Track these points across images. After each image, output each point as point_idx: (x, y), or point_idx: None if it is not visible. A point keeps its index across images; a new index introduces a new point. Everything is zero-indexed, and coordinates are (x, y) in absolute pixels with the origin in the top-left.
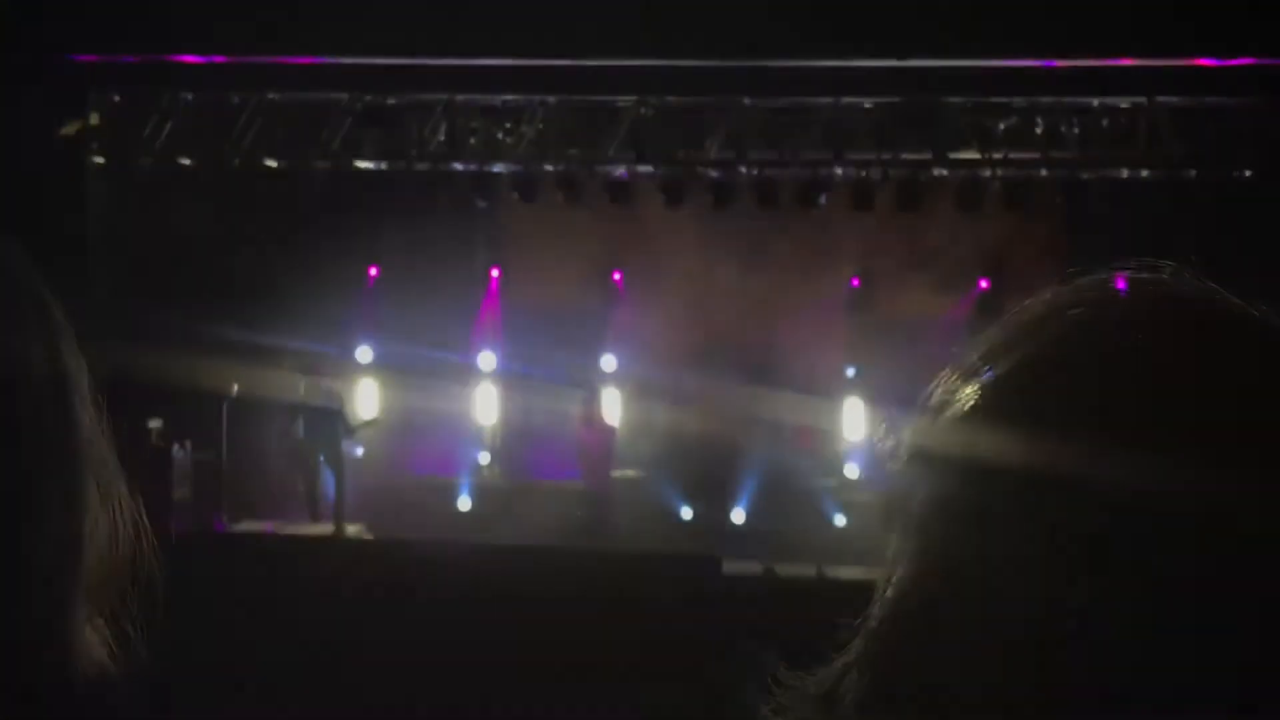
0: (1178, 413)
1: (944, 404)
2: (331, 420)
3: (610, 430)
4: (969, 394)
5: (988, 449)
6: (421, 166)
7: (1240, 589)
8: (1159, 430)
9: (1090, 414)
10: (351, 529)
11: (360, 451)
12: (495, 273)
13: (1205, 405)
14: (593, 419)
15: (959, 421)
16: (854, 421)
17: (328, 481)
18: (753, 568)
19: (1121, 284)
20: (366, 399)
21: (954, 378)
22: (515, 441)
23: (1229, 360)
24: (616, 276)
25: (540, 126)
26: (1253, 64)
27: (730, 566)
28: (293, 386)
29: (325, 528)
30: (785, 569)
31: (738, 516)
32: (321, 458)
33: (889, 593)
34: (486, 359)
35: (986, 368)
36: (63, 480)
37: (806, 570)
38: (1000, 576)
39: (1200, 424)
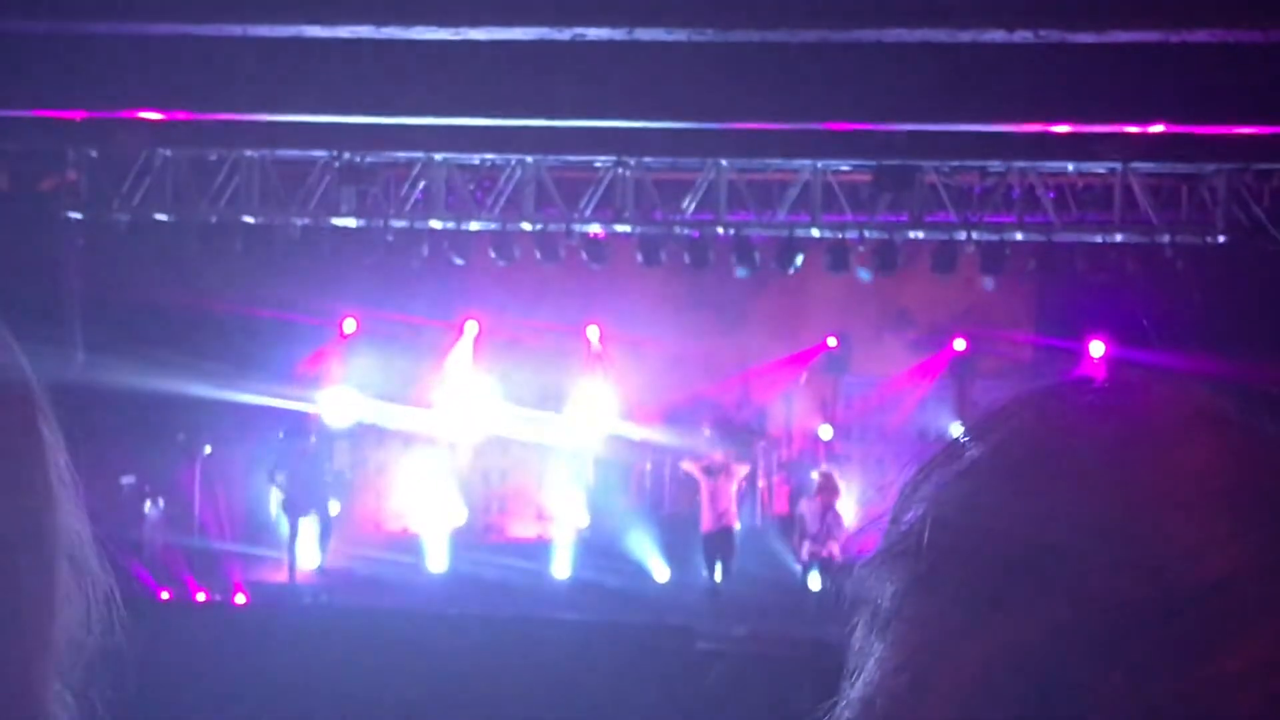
0: (1146, 508)
1: (914, 499)
2: (315, 474)
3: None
4: (939, 487)
5: (956, 547)
6: (399, 224)
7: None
8: (1124, 522)
9: (1056, 504)
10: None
11: (335, 508)
12: (471, 328)
13: (1171, 502)
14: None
15: (928, 520)
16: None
17: (308, 533)
18: (726, 634)
19: (1099, 376)
20: (341, 454)
21: (923, 473)
22: (490, 498)
23: (1198, 459)
24: (592, 334)
25: (517, 185)
26: (1226, 131)
27: (704, 634)
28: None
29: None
30: (758, 633)
31: (711, 580)
32: (305, 512)
33: (856, 693)
34: (460, 414)
35: (959, 457)
36: (36, 553)
37: (779, 634)
38: (970, 680)
39: (1167, 518)
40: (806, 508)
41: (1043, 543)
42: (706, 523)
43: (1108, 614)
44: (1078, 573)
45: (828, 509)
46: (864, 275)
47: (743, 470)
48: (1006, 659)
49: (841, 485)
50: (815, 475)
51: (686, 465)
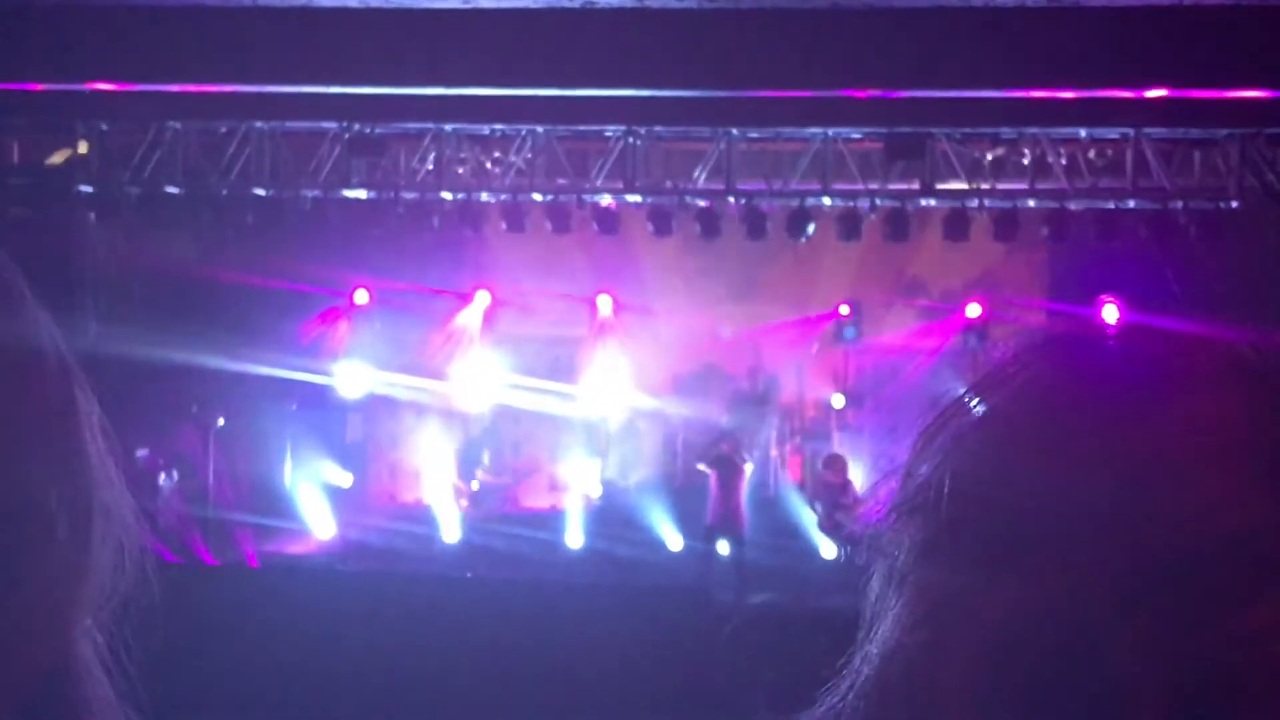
0: (1159, 452)
1: (929, 452)
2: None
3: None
4: (955, 440)
5: (974, 501)
6: (409, 195)
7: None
8: (1139, 469)
9: (1067, 458)
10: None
11: (349, 480)
12: (482, 298)
13: (1188, 443)
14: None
15: (944, 473)
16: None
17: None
18: (738, 599)
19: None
20: (353, 425)
21: (937, 425)
22: (505, 470)
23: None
24: (603, 304)
25: (528, 156)
26: (1239, 97)
27: (715, 598)
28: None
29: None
30: (772, 600)
31: (723, 548)
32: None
33: (875, 649)
34: (473, 384)
35: (974, 409)
36: (73, 510)
37: (793, 602)
38: (988, 637)
39: (1183, 458)
40: (816, 484)
41: (1062, 497)
42: (713, 516)
43: (1128, 569)
44: (1099, 527)
45: (836, 490)
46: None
47: (749, 469)
48: (1026, 615)
49: (850, 463)
50: (820, 465)
51: (701, 467)
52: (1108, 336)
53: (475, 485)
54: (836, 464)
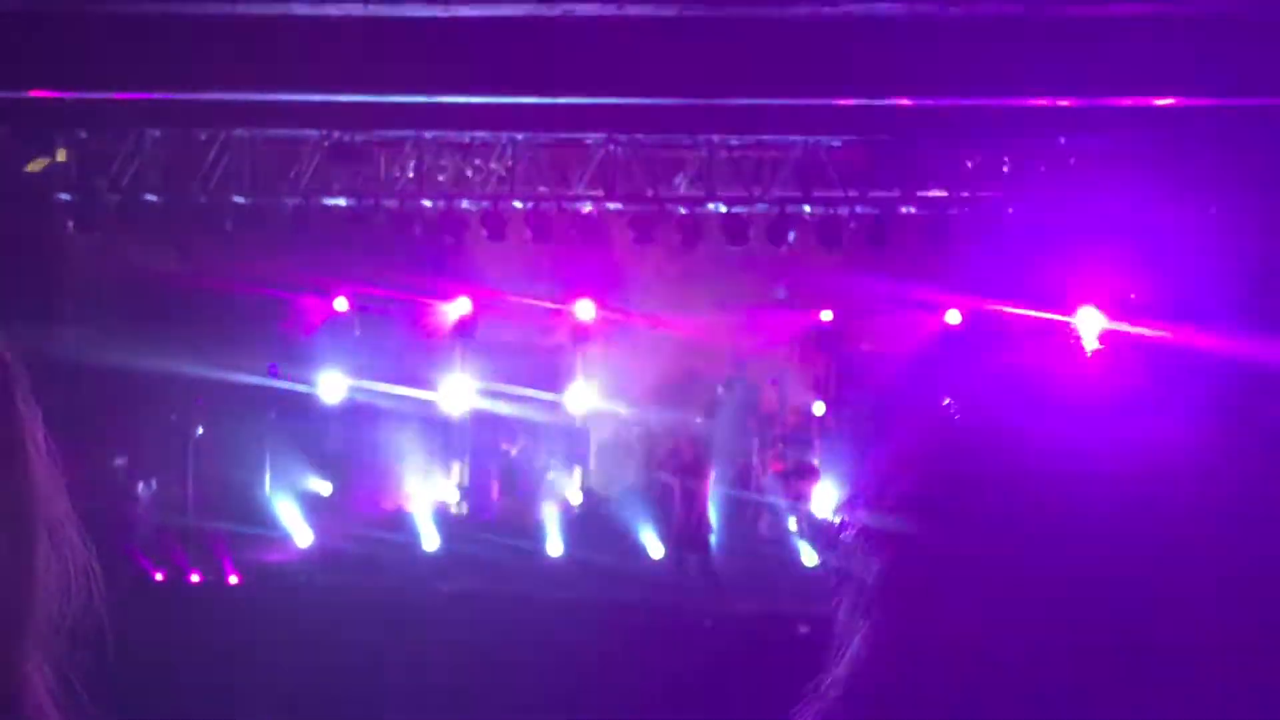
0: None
1: (897, 473)
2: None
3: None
4: (924, 460)
5: (939, 526)
6: (390, 203)
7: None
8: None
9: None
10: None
11: (328, 489)
12: (464, 308)
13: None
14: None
15: (913, 498)
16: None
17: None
18: (715, 610)
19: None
20: (333, 433)
21: (906, 446)
22: (484, 479)
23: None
24: (583, 309)
25: (509, 163)
26: (1215, 104)
27: (692, 611)
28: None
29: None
30: (745, 612)
31: (706, 556)
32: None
33: (843, 671)
34: (455, 395)
35: (939, 433)
36: (14, 529)
37: (771, 611)
38: (963, 658)
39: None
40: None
41: (1025, 523)
42: (678, 526)
43: (1091, 586)
44: (1062, 548)
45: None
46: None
47: (712, 469)
48: (995, 633)
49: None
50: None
51: (663, 476)
52: (1077, 354)
53: (457, 495)
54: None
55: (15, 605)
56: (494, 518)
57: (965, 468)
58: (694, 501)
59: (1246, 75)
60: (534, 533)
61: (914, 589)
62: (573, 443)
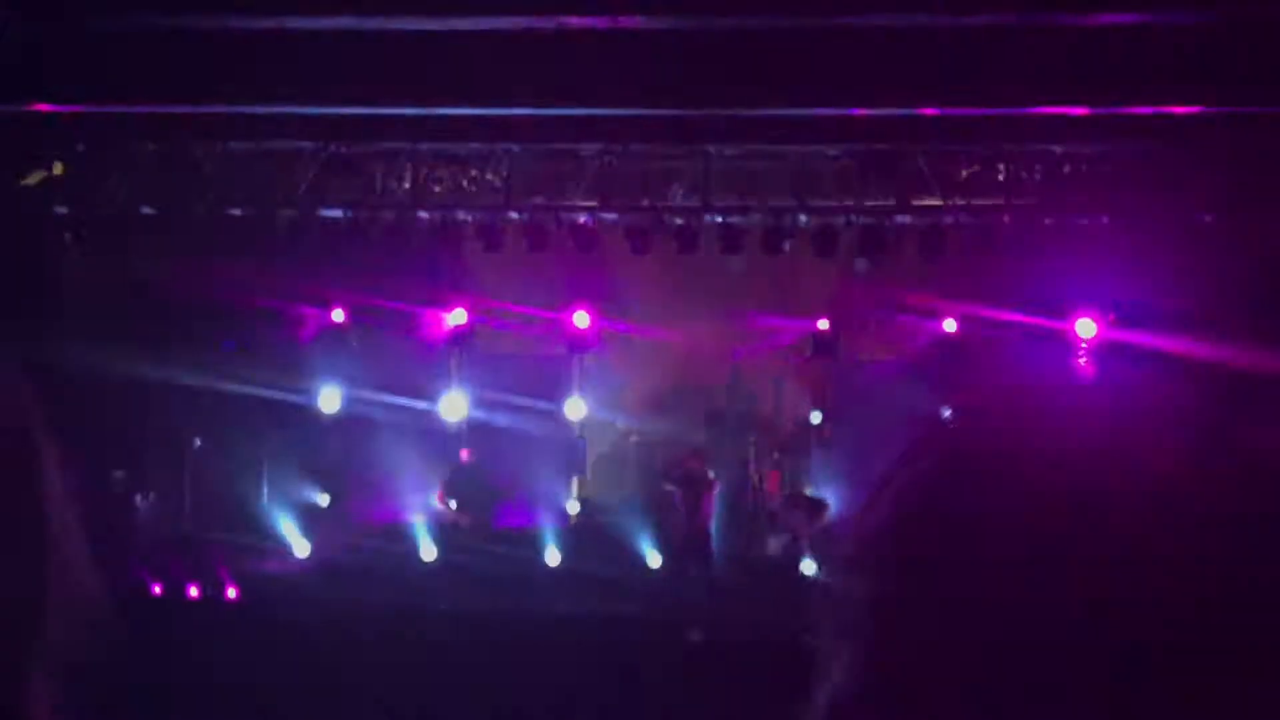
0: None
1: (883, 498)
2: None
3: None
4: (910, 487)
5: (928, 553)
6: (386, 214)
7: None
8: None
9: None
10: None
11: (325, 500)
12: (461, 318)
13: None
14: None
15: (902, 527)
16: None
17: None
18: (711, 624)
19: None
20: (331, 444)
21: (893, 470)
22: (481, 488)
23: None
24: (580, 319)
25: (505, 175)
26: (1213, 112)
27: (689, 625)
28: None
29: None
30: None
31: (707, 566)
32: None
33: (822, 700)
34: (453, 405)
35: (931, 453)
36: (24, 549)
37: (765, 628)
38: (948, 686)
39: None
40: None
41: (1014, 555)
42: (680, 536)
43: (1081, 626)
44: (1050, 584)
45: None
46: (860, 265)
47: (717, 486)
48: (981, 670)
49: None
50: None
51: (667, 486)
52: (1071, 387)
53: (454, 504)
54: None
55: (27, 636)
56: (490, 528)
57: (963, 484)
58: (697, 512)
59: (1243, 82)
60: (531, 543)
61: (903, 610)
62: (570, 452)
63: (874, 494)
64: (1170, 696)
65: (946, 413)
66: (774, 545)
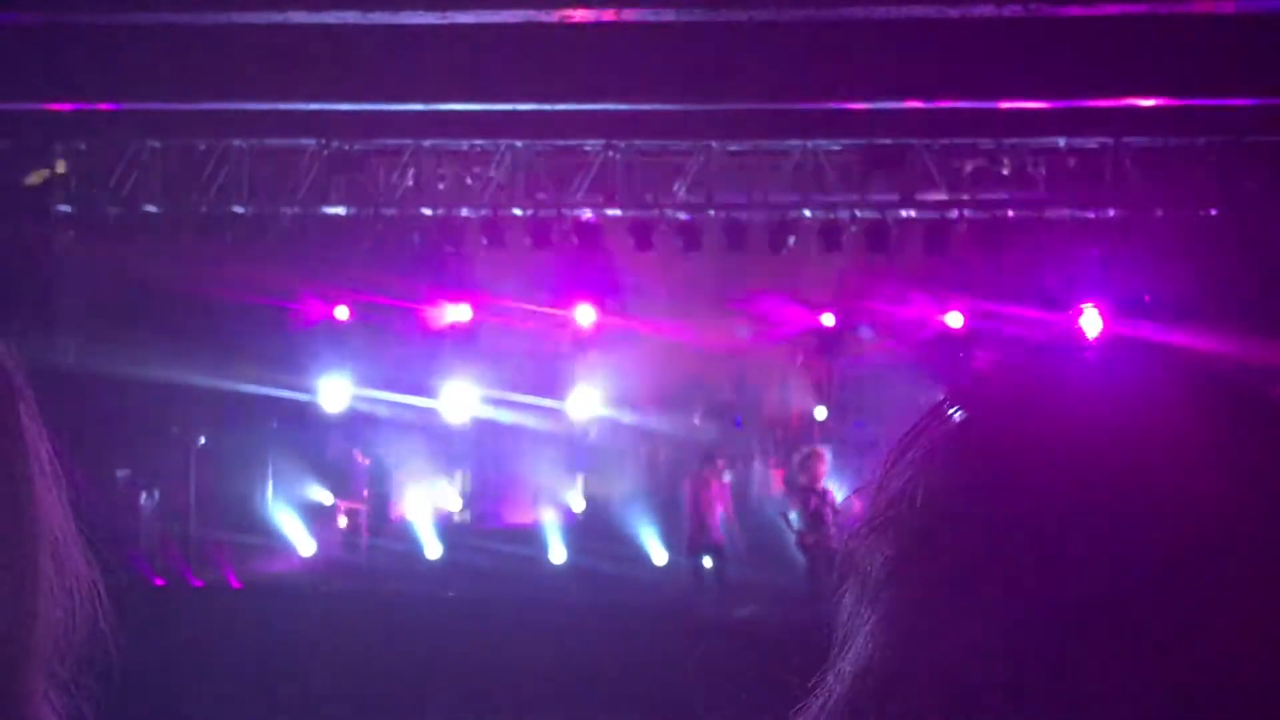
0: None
1: (901, 466)
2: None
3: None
4: (927, 453)
5: (946, 515)
6: (389, 211)
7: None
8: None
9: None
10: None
11: (331, 497)
12: (464, 315)
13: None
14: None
15: (917, 486)
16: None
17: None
18: (719, 614)
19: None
20: (335, 442)
21: (910, 438)
22: (487, 487)
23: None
24: (583, 315)
25: (508, 171)
26: (1216, 105)
27: (697, 614)
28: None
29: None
30: (755, 614)
31: (707, 561)
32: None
33: (848, 666)
34: (457, 403)
35: (944, 422)
36: (15, 556)
37: (775, 615)
38: (967, 652)
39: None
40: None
41: (1038, 509)
42: (692, 531)
43: (1103, 582)
44: (1073, 541)
45: (812, 493)
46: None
47: (727, 482)
48: (1005, 630)
49: (826, 465)
50: (797, 458)
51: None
52: (1088, 350)
53: (459, 503)
54: (809, 465)
55: (19, 630)
56: (497, 525)
57: (980, 443)
58: (709, 507)
59: (1247, 73)
60: (536, 540)
61: (922, 580)
62: (575, 449)
63: (893, 458)
64: (1197, 641)
65: (957, 399)
66: (785, 531)
